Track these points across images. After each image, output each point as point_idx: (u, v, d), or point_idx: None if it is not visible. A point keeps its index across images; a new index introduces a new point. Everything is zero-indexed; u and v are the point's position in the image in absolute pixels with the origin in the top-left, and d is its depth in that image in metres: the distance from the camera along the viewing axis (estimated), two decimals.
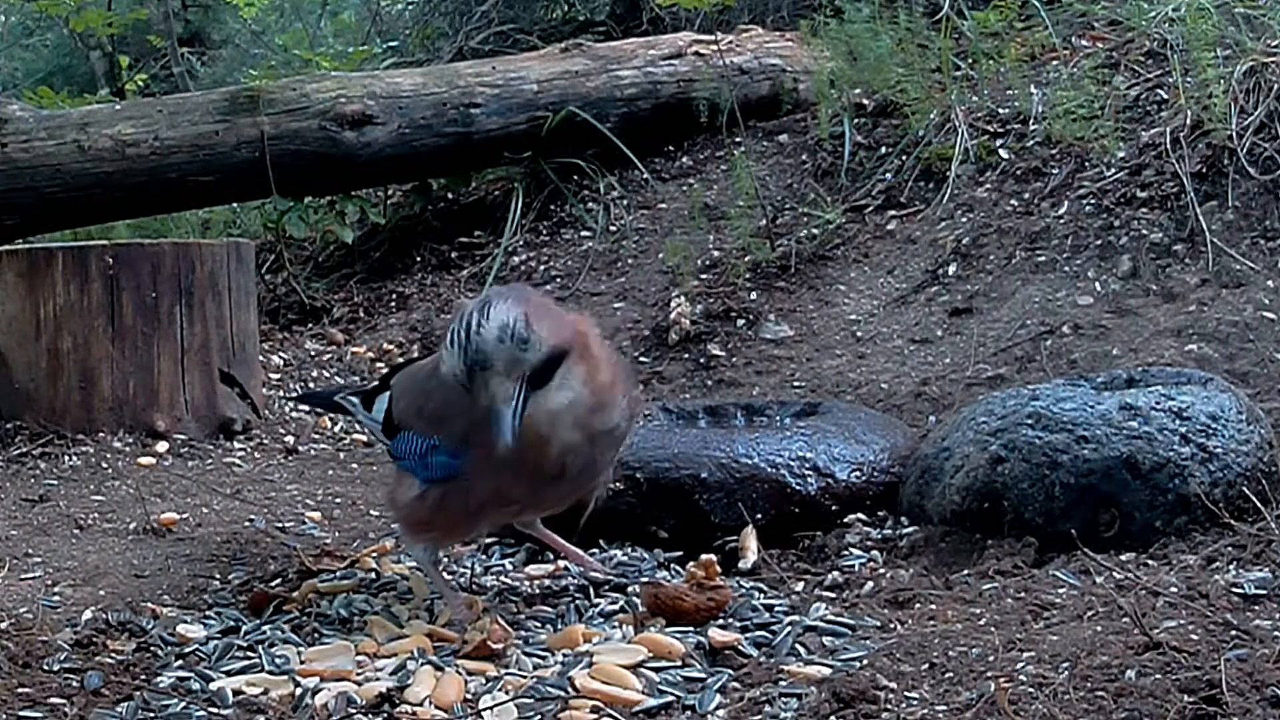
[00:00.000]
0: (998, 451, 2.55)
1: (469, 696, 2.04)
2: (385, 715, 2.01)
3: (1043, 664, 1.92)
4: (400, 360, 4.20)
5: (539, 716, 1.98)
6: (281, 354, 4.41)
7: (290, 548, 2.79)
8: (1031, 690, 1.83)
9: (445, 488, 2.28)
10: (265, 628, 2.35)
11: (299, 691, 2.08)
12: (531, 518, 2.46)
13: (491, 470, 2.19)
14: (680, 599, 2.26)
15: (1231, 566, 2.26)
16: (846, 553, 2.59)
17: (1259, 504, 2.45)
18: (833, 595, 2.42)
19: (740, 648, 2.16)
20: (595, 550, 2.62)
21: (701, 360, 3.91)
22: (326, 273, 5.19)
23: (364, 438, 3.75)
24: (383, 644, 2.26)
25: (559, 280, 4.52)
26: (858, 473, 2.73)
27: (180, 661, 2.24)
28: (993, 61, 4.64)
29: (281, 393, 4.07)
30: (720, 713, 1.98)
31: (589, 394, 2.18)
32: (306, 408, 3.91)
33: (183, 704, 2.06)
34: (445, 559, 2.65)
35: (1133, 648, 1.93)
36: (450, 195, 5.26)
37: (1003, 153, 4.26)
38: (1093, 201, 3.97)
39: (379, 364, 4.31)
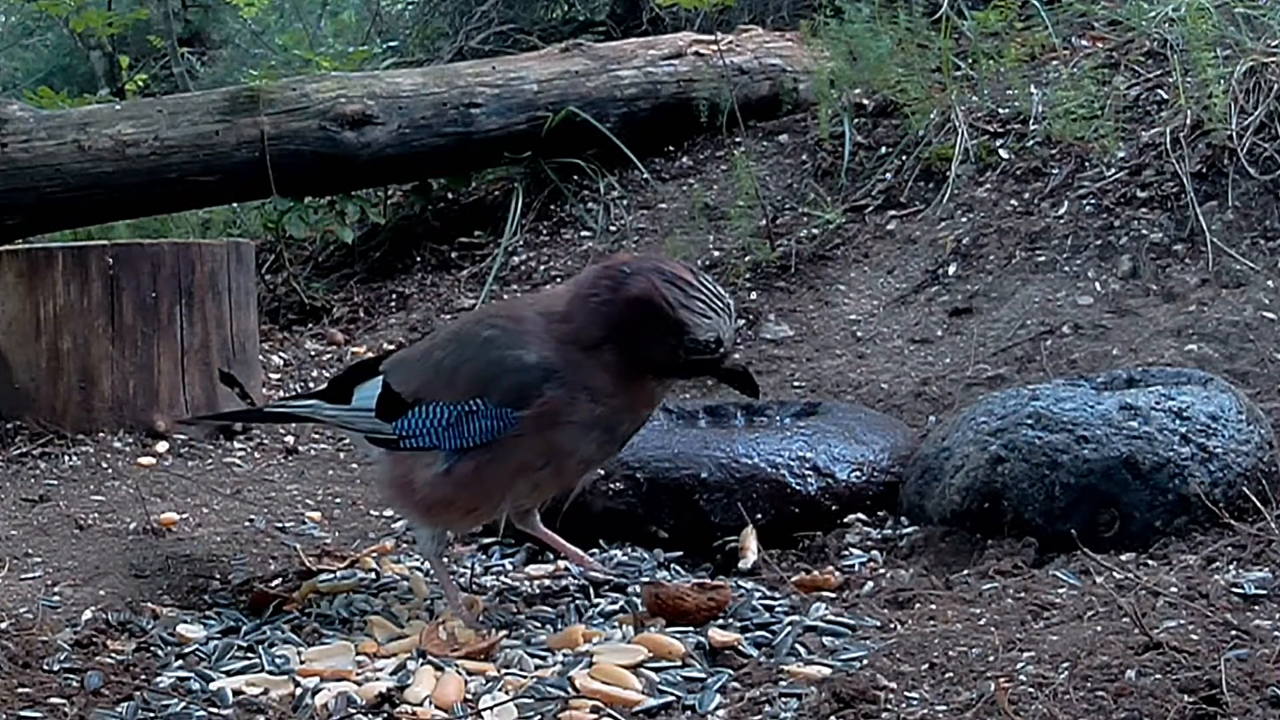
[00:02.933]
0: (998, 451, 2.55)
1: (469, 696, 2.04)
2: (385, 715, 2.01)
3: (1043, 664, 1.92)
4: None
5: (539, 716, 1.98)
6: (281, 354, 4.41)
7: (290, 548, 2.79)
8: (1031, 690, 1.83)
9: (477, 459, 2.25)
10: (265, 628, 2.35)
11: (299, 691, 2.08)
12: (545, 497, 2.44)
13: (551, 415, 2.21)
14: (681, 599, 2.26)
15: (1231, 566, 2.26)
16: (846, 553, 2.59)
17: (1259, 504, 2.45)
18: (833, 595, 2.42)
19: (740, 648, 2.16)
20: (595, 550, 2.62)
21: None
22: (326, 273, 5.19)
23: None
24: (383, 644, 2.26)
25: (559, 280, 4.52)
26: (858, 473, 2.73)
27: (180, 661, 2.24)
28: (993, 61, 4.64)
29: (283, 393, 4.07)
30: (720, 713, 1.98)
31: None
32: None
33: (183, 704, 2.07)
34: (445, 559, 2.66)
35: (1133, 648, 1.93)
36: (450, 195, 5.26)
37: (1003, 153, 4.26)
38: (1093, 201, 3.97)
39: (379, 357, 4.30)
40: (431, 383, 2.33)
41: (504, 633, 2.23)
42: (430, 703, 2.02)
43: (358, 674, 2.14)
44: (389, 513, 3.07)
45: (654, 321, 2.19)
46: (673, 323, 2.18)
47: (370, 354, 4.41)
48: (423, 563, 2.61)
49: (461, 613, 2.29)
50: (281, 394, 4.05)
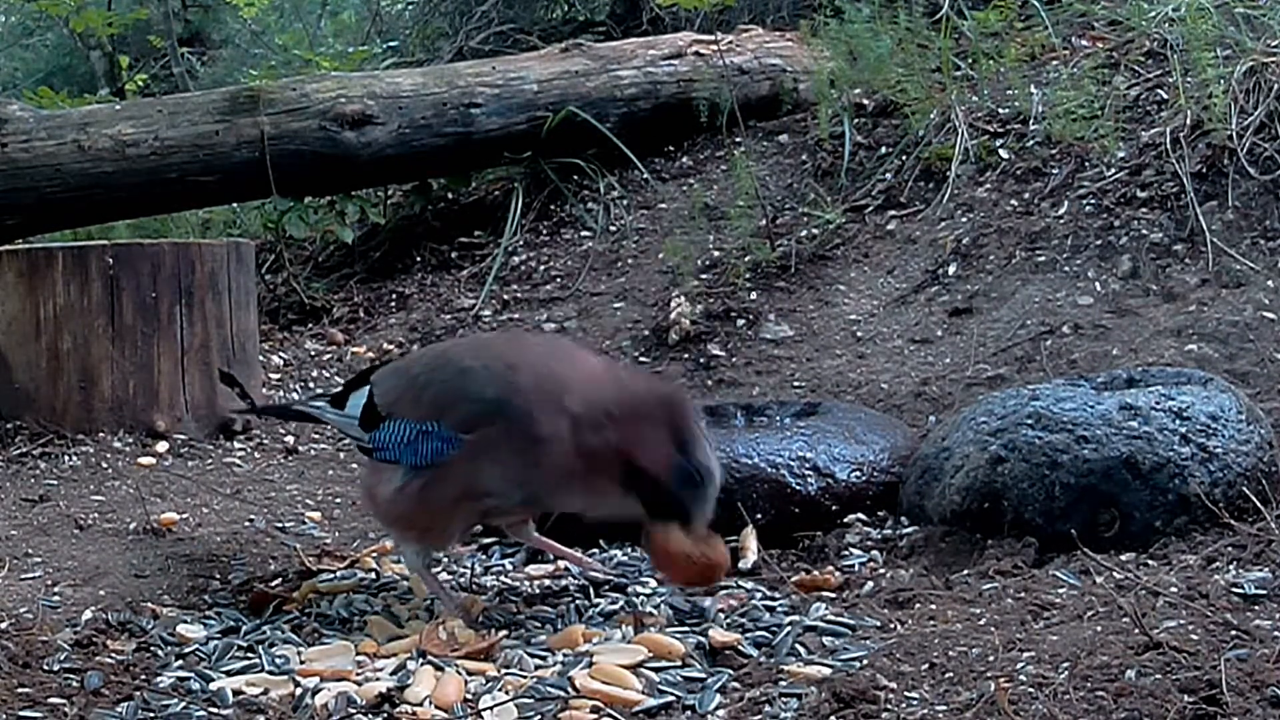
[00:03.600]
0: (998, 451, 2.55)
1: (469, 696, 2.04)
2: (385, 715, 2.01)
3: (1043, 664, 1.92)
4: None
5: (539, 716, 1.98)
6: (281, 354, 4.41)
7: (290, 548, 2.79)
8: (1031, 690, 1.83)
9: (426, 477, 2.29)
10: (265, 628, 2.35)
11: (299, 691, 2.08)
12: (506, 520, 2.47)
13: (484, 457, 2.24)
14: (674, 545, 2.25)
15: (1231, 566, 2.26)
16: (846, 553, 2.59)
17: (1259, 504, 2.45)
18: (833, 595, 2.42)
19: (740, 648, 2.16)
20: (595, 550, 2.62)
21: (701, 360, 3.91)
22: (326, 273, 5.19)
23: None
24: (383, 644, 2.26)
25: (559, 280, 4.52)
26: (858, 473, 2.73)
27: (180, 661, 2.24)
28: (993, 61, 4.64)
29: (283, 393, 4.07)
30: (720, 713, 1.98)
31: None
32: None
33: (183, 704, 2.07)
34: (445, 559, 2.66)
35: (1133, 648, 1.93)
36: (450, 195, 5.25)
37: (1003, 153, 4.26)
38: (1093, 201, 3.97)
39: (379, 364, 4.30)
40: (402, 398, 2.38)
41: (504, 633, 2.23)
42: (430, 703, 2.02)
43: (358, 674, 2.14)
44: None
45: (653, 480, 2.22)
46: (666, 489, 2.22)
47: (370, 354, 4.42)
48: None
49: (459, 615, 2.30)
50: (281, 394, 4.05)
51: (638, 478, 2.21)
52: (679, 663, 2.12)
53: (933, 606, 2.28)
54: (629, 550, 2.62)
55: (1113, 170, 4.02)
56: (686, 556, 2.22)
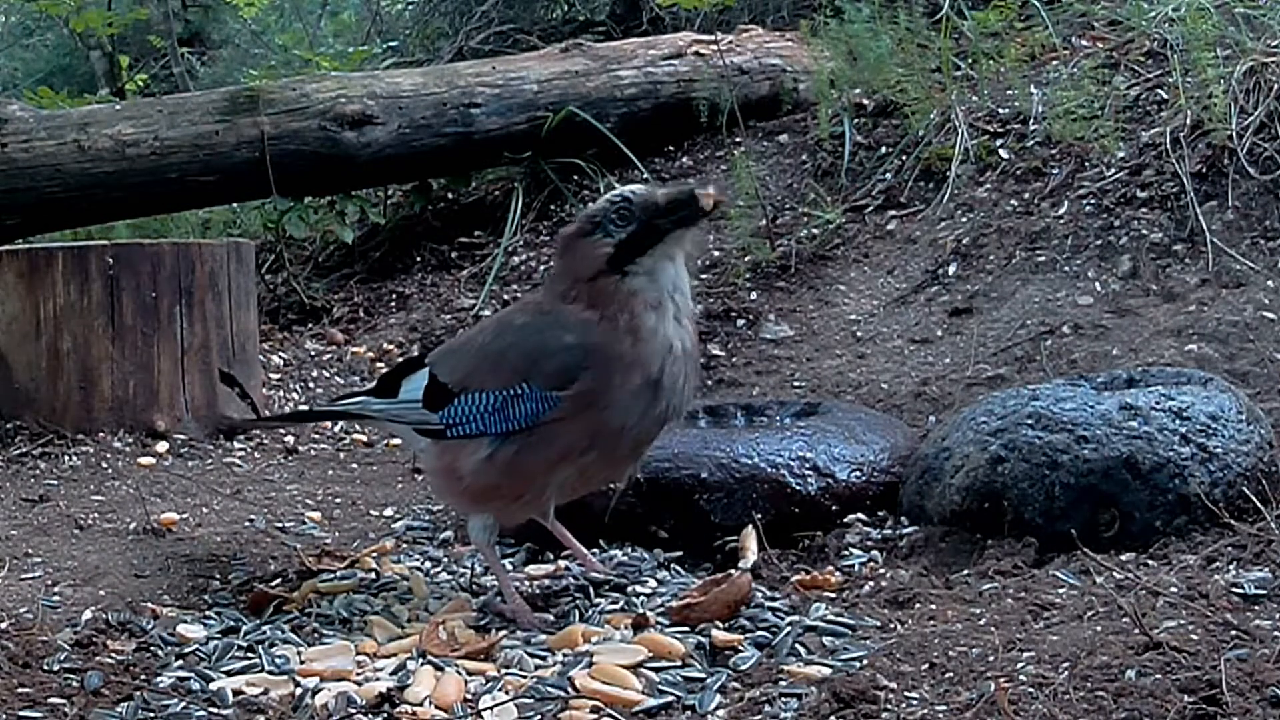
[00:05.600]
0: (998, 451, 2.55)
1: (469, 696, 2.04)
2: (385, 715, 2.01)
3: (1043, 664, 1.92)
4: (400, 360, 4.20)
5: (539, 716, 1.98)
6: (281, 354, 4.41)
7: (290, 548, 2.79)
8: (1031, 690, 1.84)
9: (520, 444, 2.29)
10: (265, 628, 2.35)
11: (299, 691, 2.08)
12: (594, 486, 2.48)
13: (591, 395, 2.26)
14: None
15: (1231, 566, 2.26)
16: (846, 553, 2.59)
17: (1259, 504, 2.45)
18: (833, 595, 2.43)
19: (740, 648, 2.16)
20: (595, 550, 2.62)
21: (702, 360, 3.91)
22: (326, 273, 5.19)
23: (363, 438, 3.74)
24: (383, 644, 2.26)
25: None
26: (858, 473, 2.73)
27: (180, 661, 2.24)
28: (993, 61, 4.64)
29: (283, 393, 4.07)
30: (720, 713, 1.98)
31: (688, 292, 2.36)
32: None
33: (183, 704, 2.07)
34: (445, 558, 2.66)
35: (1133, 648, 1.93)
36: (450, 195, 5.26)
37: (1003, 153, 4.26)
38: (1093, 201, 3.97)
39: (379, 364, 4.31)
40: (477, 370, 2.38)
41: (504, 633, 2.23)
42: (430, 703, 2.02)
43: (358, 674, 2.14)
44: (389, 512, 3.07)
45: (572, 241, 2.34)
46: (580, 227, 2.33)
47: (370, 354, 4.42)
48: (475, 553, 2.61)
49: (518, 601, 2.30)
50: (282, 394, 4.05)
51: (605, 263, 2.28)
52: (679, 663, 2.12)
53: (933, 606, 2.28)
54: (629, 550, 2.62)
55: (1113, 170, 4.02)
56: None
